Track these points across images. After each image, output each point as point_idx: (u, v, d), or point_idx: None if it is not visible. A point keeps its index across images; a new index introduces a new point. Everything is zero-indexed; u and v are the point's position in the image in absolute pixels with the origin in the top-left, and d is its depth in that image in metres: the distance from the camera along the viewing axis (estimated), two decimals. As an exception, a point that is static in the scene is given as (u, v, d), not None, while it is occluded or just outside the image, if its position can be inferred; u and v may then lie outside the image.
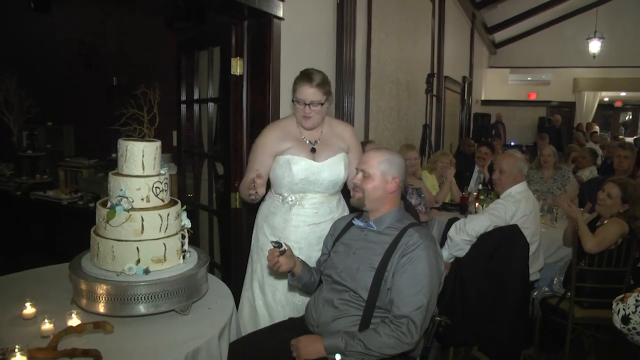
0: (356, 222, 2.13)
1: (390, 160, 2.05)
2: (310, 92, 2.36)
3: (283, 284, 2.47)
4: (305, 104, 2.36)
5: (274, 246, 2.04)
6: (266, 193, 2.55)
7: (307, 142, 2.48)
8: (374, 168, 2.03)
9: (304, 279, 2.19)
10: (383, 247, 1.98)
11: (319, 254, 2.39)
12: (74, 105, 7.22)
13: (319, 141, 2.50)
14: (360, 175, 2.06)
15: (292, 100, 2.42)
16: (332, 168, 2.46)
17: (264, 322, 2.49)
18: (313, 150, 2.46)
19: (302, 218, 2.47)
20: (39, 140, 7.04)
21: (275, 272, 2.26)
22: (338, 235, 2.20)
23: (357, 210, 2.20)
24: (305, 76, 2.38)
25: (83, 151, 6.85)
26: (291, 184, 2.43)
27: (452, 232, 3.09)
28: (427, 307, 1.88)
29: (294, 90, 2.40)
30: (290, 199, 2.46)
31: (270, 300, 2.50)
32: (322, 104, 2.39)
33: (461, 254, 3.07)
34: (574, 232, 3.19)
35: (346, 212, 2.62)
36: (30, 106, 6.58)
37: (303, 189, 2.44)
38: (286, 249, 2.05)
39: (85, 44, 7.09)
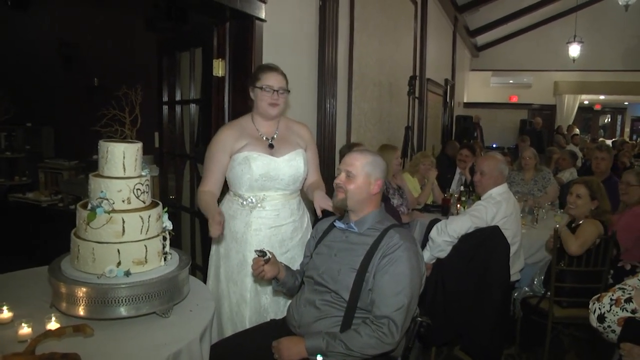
0: (337, 223, 2.13)
1: (375, 162, 2.06)
2: (279, 79, 2.41)
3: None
4: (274, 90, 2.38)
5: (258, 255, 2.04)
6: (223, 195, 2.52)
7: (264, 138, 2.46)
8: (359, 169, 2.03)
9: (288, 283, 2.19)
10: (364, 249, 1.99)
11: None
12: (54, 106, 7.12)
13: (275, 137, 2.49)
14: (343, 175, 2.05)
15: (256, 88, 2.40)
16: (291, 163, 2.45)
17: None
18: (271, 146, 2.45)
19: (263, 221, 2.43)
20: (18, 141, 6.95)
21: (260, 280, 2.26)
22: (320, 237, 2.20)
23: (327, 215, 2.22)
24: (269, 66, 2.46)
25: (63, 152, 6.76)
26: (251, 181, 2.38)
27: (433, 233, 3.11)
28: (408, 307, 1.89)
29: (258, 79, 2.40)
30: (250, 201, 2.42)
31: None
32: (288, 92, 2.45)
33: (442, 255, 3.10)
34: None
35: (307, 215, 2.63)
36: (8, 107, 6.48)
37: (263, 186, 2.40)
38: (270, 257, 2.06)
39: (65, 44, 6.99)
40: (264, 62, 3.24)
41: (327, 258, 2.07)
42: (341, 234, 2.11)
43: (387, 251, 1.93)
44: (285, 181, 2.44)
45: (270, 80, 2.39)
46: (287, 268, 2.21)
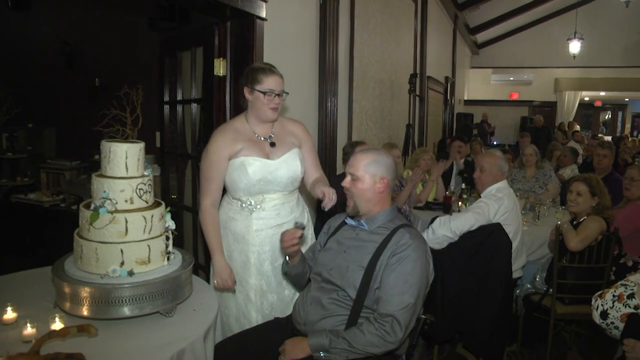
0: (349, 220, 2.12)
1: (378, 161, 2.05)
2: (280, 82, 2.35)
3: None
4: (276, 94, 2.33)
5: (296, 226, 2.07)
6: (222, 198, 2.49)
7: (262, 139, 2.42)
8: (362, 170, 2.03)
9: (298, 268, 2.20)
10: (373, 246, 1.98)
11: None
12: (56, 106, 7.12)
13: (272, 136, 2.44)
14: (349, 178, 2.06)
15: (256, 91, 2.32)
16: (289, 164, 2.42)
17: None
18: (272, 144, 2.42)
19: (264, 221, 2.41)
20: (20, 141, 6.94)
21: (286, 251, 2.19)
22: (332, 233, 2.20)
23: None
24: (269, 68, 2.36)
25: (65, 153, 6.76)
26: (248, 186, 2.36)
27: (435, 224, 3.10)
28: (414, 307, 1.89)
29: (259, 81, 2.31)
30: (249, 203, 2.40)
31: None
32: (287, 94, 2.41)
33: (437, 247, 3.07)
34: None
35: (306, 210, 2.62)
36: (10, 107, 6.48)
37: (261, 189, 2.38)
38: (303, 233, 2.09)
39: (66, 44, 7.00)
40: (265, 61, 3.24)
41: (337, 254, 2.08)
42: (352, 231, 2.11)
43: (396, 250, 1.93)
44: (283, 183, 2.43)
45: (273, 84, 2.32)
46: (300, 253, 2.21)
